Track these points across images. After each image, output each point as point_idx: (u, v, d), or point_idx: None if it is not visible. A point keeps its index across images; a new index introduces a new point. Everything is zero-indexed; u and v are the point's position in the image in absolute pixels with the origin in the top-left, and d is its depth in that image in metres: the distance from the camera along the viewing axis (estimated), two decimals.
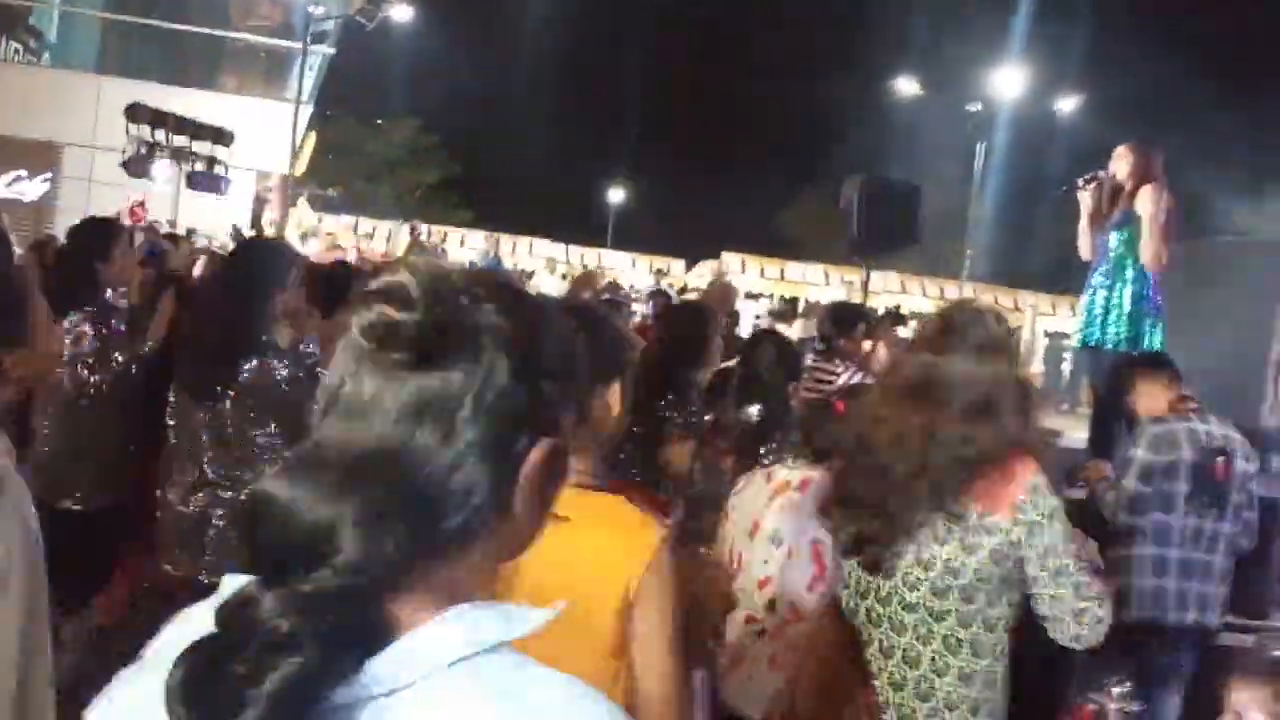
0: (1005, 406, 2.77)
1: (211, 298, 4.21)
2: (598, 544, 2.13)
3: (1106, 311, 6.60)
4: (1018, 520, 2.68)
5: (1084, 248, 6.90)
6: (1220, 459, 4.59)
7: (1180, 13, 40.77)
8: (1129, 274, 6.58)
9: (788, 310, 30.13)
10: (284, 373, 3.75)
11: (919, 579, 2.75)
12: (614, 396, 2.34)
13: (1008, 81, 24.86)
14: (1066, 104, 26.35)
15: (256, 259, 4.13)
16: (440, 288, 1.03)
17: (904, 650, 2.77)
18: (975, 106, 24.66)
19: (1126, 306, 6.58)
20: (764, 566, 3.41)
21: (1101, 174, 6.66)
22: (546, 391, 1.08)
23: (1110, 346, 6.59)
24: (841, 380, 5.82)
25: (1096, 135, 32.83)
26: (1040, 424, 2.99)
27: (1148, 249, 6.45)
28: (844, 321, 6.73)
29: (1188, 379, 5.19)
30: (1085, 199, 6.72)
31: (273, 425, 3.69)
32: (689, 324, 4.85)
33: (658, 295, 15.14)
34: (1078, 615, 2.69)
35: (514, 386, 1.04)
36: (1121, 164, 6.64)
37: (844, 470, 2.96)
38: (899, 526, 2.75)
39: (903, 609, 2.78)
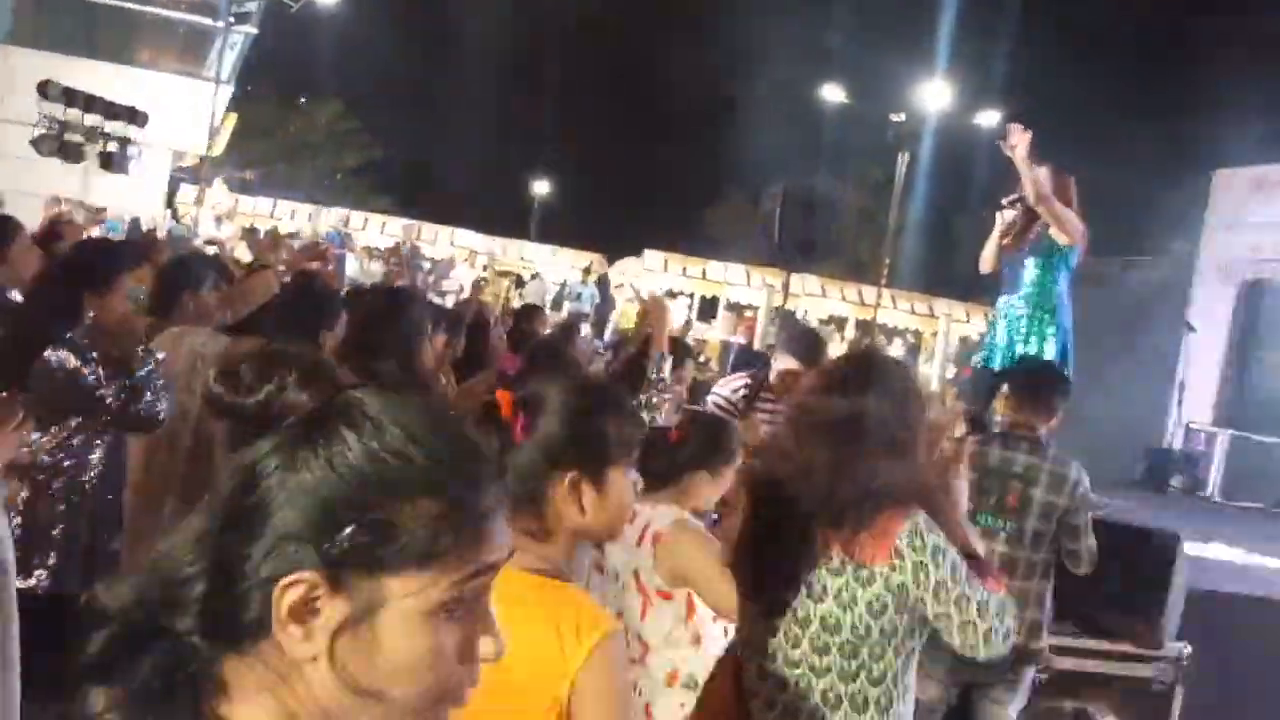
0: (917, 448, 2.78)
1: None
2: (536, 637, 2.04)
3: (1027, 342, 6.69)
4: (896, 566, 2.65)
5: (987, 261, 7.02)
6: (1014, 486, 4.63)
7: (1108, 37, 41.51)
8: (1057, 317, 6.71)
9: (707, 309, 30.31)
10: (70, 366, 3.69)
11: (799, 635, 2.74)
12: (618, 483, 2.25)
13: (932, 94, 25.17)
14: (988, 119, 26.70)
15: (74, 255, 4.17)
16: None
17: (784, 705, 2.76)
18: (899, 117, 24.86)
19: (1050, 351, 6.68)
20: (613, 602, 3.46)
21: (1025, 195, 6.74)
22: None
23: None
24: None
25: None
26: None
27: (1071, 226, 6.63)
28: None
29: (1095, 400, 5.30)
30: (1003, 216, 6.80)
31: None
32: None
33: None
34: (987, 636, 2.68)
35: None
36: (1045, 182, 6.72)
37: (749, 509, 2.95)
38: (799, 565, 2.73)
39: (786, 665, 2.77)
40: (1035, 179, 6.58)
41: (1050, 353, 6.70)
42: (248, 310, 4.69)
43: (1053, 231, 6.67)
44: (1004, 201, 6.89)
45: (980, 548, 2.88)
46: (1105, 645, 5.36)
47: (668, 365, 4.90)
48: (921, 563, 2.65)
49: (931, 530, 2.69)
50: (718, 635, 3.39)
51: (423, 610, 1.08)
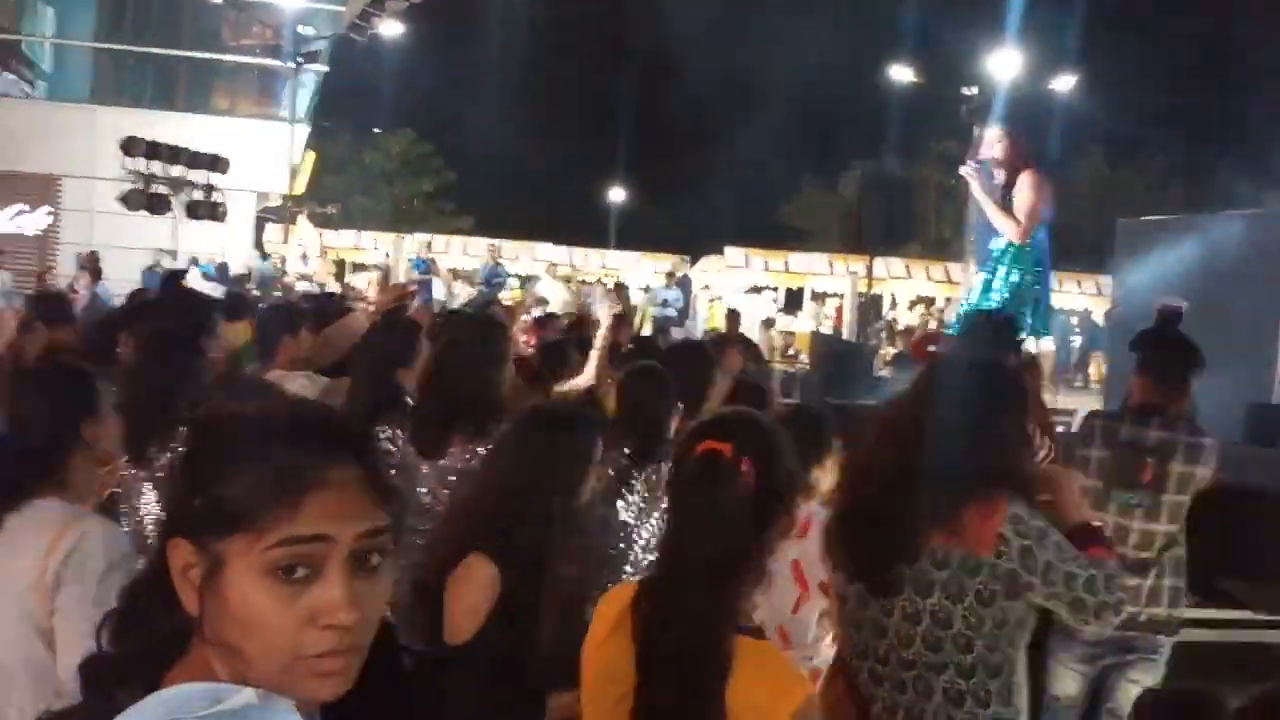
0: (1013, 434, 2.78)
1: None
2: (749, 689, 2.12)
3: (1031, 301, 6.82)
4: (1002, 553, 2.64)
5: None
6: (1149, 460, 4.49)
7: None
8: (1039, 276, 6.91)
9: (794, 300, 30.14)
10: None
11: (910, 634, 2.71)
12: None
13: (1002, 64, 24.73)
14: (1062, 84, 26.22)
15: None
16: None
17: (907, 709, 2.73)
18: (971, 90, 24.50)
19: (1039, 295, 7.00)
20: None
21: (984, 158, 6.95)
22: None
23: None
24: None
25: (1093, 113, 32.82)
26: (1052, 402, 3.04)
27: (1010, 227, 6.81)
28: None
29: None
30: (974, 185, 6.96)
31: None
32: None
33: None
34: (1099, 611, 2.67)
35: None
36: (998, 148, 7.00)
37: (843, 491, 2.98)
38: (898, 539, 2.72)
39: (901, 667, 2.74)
40: (989, 207, 6.88)
41: (1019, 302, 6.87)
42: (342, 351, 4.78)
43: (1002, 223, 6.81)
44: (971, 166, 7.04)
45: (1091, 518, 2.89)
46: (1231, 614, 5.25)
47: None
48: (1028, 547, 2.63)
49: (1034, 515, 2.68)
50: None
51: (255, 569, 1.24)
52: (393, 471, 4.25)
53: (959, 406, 2.77)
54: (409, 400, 4.34)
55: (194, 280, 15.73)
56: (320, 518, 1.26)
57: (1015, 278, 6.88)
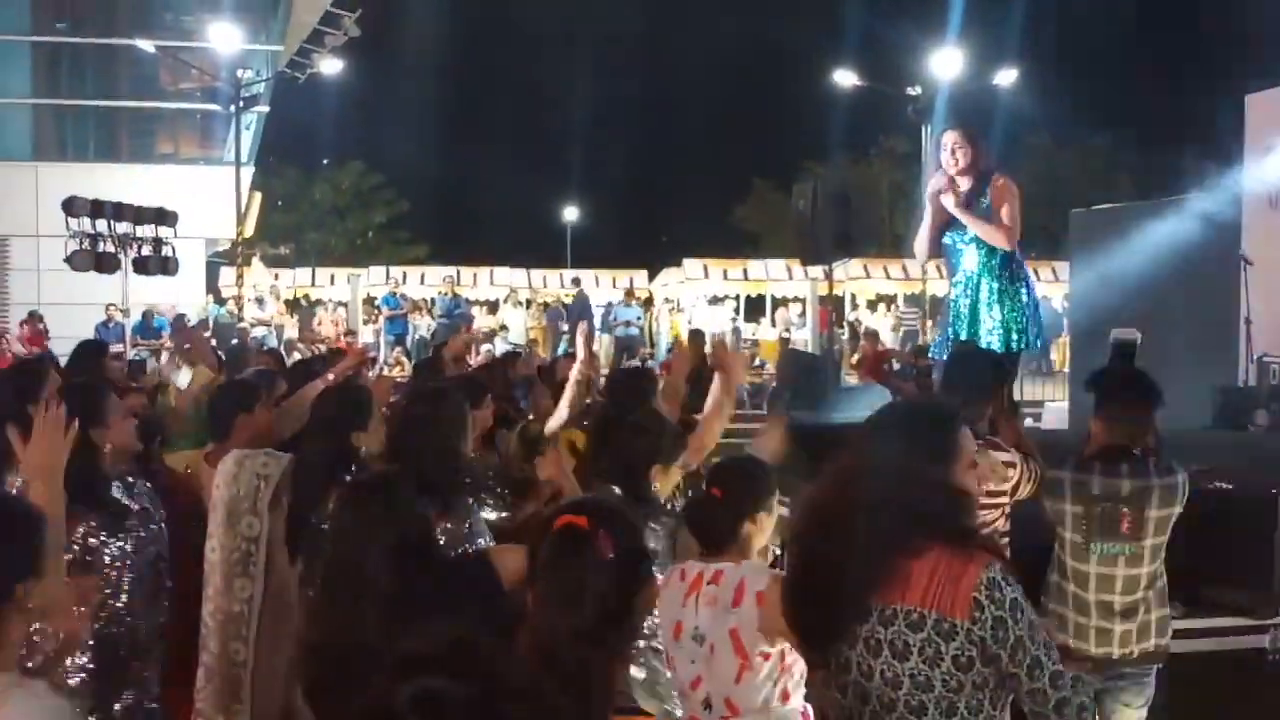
0: (947, 483, 2.75)
1: None
2: None
3: (1025, 318, 6.64)
4: (976, 619, 2.58)
5: (921, 251, 7.12)
6: (1125, 510, 4.42)
7: None
8: (1019, 282, 6.71)
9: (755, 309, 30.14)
10: None
11: (892, 699, 2.65)
12: None
13: (946, 62, 24.87)
14: (1005, 77, 26.43)
15: None
16: None
17: None
18: (915, 90, 24.64)
19: (1031, 308, 6.75)
20: (692, 667, 3.37)
21: (948, 171, 6.63)
22: None
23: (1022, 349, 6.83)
24: (1017, 480, 4.66)
25: (1037, 98, 33.03)
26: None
27: (999, 236, 6.55)
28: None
29: (1155, 346, 5.04)
30: (950, 203, 6.60)
31: None
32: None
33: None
34: (1059, 708, 2.59)
35: None
36: (960, 155, 6.62)
37: (798, 568, 2.93)
38: (836, 614, 2.71)
39: None
40: (974, 222, 6.60)
41: (1018, 318, 6.69)
42: (300, 424, 4.67)
43: (992, 235, 6.63)
44: (945, 183, 6.72)
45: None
46: (1214, 621, 5.21)
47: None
48: (1001, 618, 2.58)
49: (1010, 583, 2.62)
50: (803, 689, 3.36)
51: None
52: None
53: (895, 457, 2.76)
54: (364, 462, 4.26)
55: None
56: None
57: (1009, 291, 6.67)
